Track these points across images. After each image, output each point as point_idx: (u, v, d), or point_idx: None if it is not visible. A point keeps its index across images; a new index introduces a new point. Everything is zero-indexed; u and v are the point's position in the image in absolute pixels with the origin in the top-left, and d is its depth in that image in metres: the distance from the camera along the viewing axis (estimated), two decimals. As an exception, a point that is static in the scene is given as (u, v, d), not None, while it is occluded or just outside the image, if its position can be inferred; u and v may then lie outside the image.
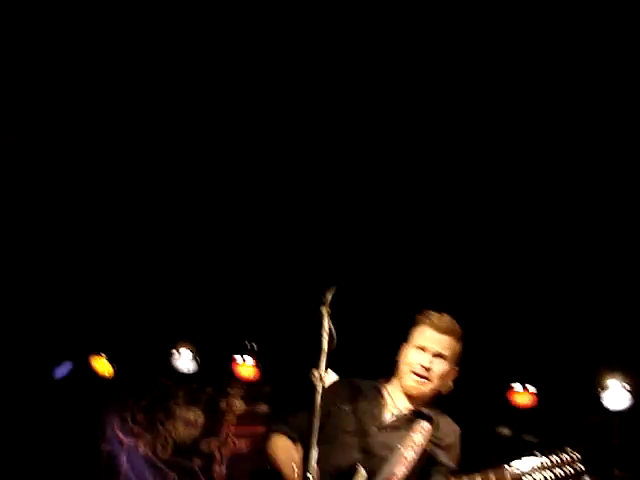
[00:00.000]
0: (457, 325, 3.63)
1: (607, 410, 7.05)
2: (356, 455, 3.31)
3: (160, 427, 8.25)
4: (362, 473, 3.25)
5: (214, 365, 7.98)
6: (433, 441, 3.46)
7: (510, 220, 6.37)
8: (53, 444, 7.75)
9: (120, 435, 8.11)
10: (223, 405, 8.11)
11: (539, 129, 5.76)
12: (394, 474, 3.31)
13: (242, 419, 8.08)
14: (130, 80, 5.71)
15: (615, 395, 7.03)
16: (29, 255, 6.98)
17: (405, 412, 3.52)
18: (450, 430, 3.58)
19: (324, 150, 6.06)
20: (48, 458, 7.68)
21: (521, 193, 6.19)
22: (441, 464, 3.43)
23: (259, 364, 7.87)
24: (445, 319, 3.58)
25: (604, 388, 7.01)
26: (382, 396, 3.56)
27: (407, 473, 3.33)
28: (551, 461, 3.10)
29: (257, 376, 7.94)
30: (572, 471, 3.07)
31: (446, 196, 6.30)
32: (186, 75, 5.66)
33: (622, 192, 5.91)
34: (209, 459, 7.96)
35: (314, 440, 2.95)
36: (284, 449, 3.44)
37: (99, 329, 7.88)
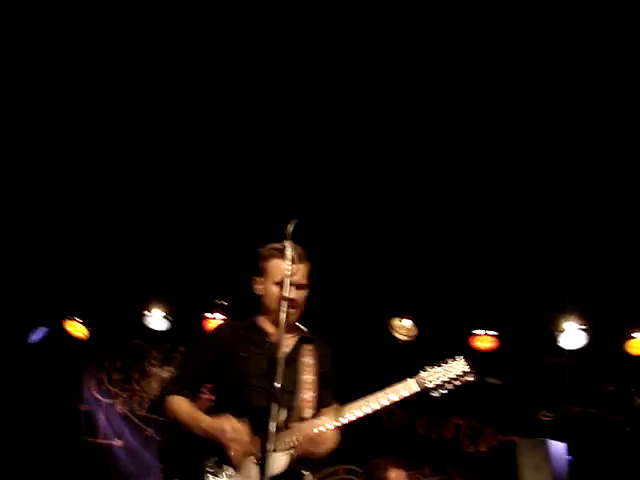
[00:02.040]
0: (302, 249, 3.83)
1: (563, 351, 7.38)
2: (268, 395, 3.46)
3: (136, 386, 8.42)
4: (278, 410, 3.44)
5: (186, 324, 8.09)
6: (318, 358, 3.82)
7: (469, 170, 6.53)
8: (32, 407, 7.89)
9: (97, 395, 8.27)
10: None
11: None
12: (305, 400, 3.64)
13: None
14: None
15: (570, 336, 7.36)
16: (3, 220, 7.00)
17: (290, 343, 3.80)
18: (324, 344, 3.95)
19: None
20: (28, 421, 7.83)
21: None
22: (328, 375, 3.82)
23: (229, 319, 7.92)
24: (297, 249, 3.75)
25: (560, 331, 7.32)
26: (267, 335, 3.81)
27: (314, 395, 3.67)
28: (445, 368, 3.61)
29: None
30: (461, 372, 3.59)
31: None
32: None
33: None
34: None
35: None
36: (189, 408, 3.65)
37: (72, 293, 7.93)
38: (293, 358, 3.74)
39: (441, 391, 3.58)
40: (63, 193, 6.95)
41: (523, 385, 7.81)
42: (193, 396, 3.74)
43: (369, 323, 7.77)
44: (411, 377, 3.58)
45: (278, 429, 3.37)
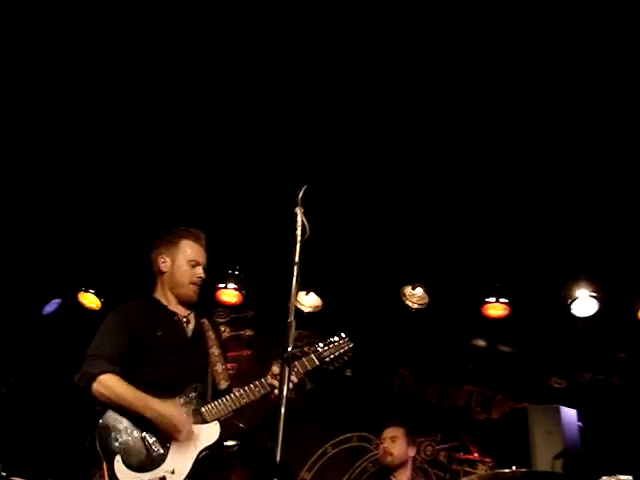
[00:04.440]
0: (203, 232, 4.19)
1: (575, 318, 7.39)
2: (184, 370, 3.77)
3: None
4: (194, 385, 3.76)
5: (200, 294, 8.13)
6: (216, 332, 4.07)
7: (483, 139, 6.51)
8: (46, 379, 7.98)
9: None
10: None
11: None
12: (217, 372, 3.86)
13: (227, 344, 8.33)
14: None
15: (582, 304, 7.37)
16: (15, 196, 7.04)
17: (192, 319, 4.01)
18: (213, 318, 4.27)
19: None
20: (42, 393, 7.92)
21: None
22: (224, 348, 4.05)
23: (242, 289, 8.03)
24: (201, 233, 4.15)
25: (573, 298, 7.33)
26: (173, 314, 3.98)
27: (223, 366, 3.92)
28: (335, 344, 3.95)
29: (240, 301, 8.13)
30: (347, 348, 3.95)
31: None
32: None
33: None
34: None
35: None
36: (130, 387, 3.71)
37: (86, 265, 7.98)
38: (199, 333, 3.95)
39: (335, 365, 3.91)
40: (79, 165, 6.97)
41: (535, 352, 7.83)
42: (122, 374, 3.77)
43: (381, 291, 7.79)
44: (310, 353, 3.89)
45: (202, 403, 3.71)
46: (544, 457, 6.27)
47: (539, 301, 7.66)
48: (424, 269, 7.57)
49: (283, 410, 3.20)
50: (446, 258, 7.38)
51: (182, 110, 6.43)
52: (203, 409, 3.71)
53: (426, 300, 7.66)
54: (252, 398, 3.73)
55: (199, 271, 4.01)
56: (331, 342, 3.92)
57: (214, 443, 3.67)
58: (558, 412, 6.45)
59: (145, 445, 3.59)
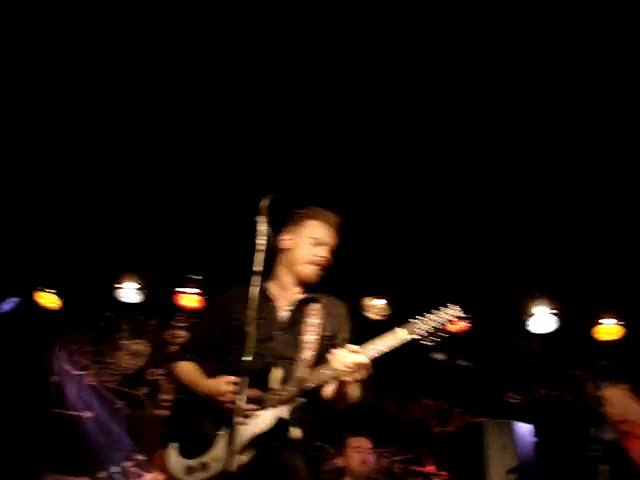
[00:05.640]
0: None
1: (531, 335, 7.48)
2: (268, 359, 3.54)
3: (106, 358, 8.41)
4: (277, 373, 3.50)
5: (158, 297, 8.10)
6: (325, 318, 3.77)
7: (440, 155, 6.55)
8: (1, 378, 7.85)
9: (68, 367, 8.25)
10: (167, 336, 8.27)
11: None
12: (303, 360, 3.59)
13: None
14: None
15: (541, 320, 7.45)
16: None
17: (295, 304, 3.77)
18: (337, 304, 3.89)
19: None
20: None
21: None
22: (336, 336, 3.74)
23: (203, 293, 7.99)
24: (333, 215, 3.88)
25: (530, 315, 7.41)
26: (271, 300, 3.76)
27: (314, 354, 3.62)
28: (436, 314, 3.48)
29: (202, 305, 8.06)
30: (454, 315, 3.49)
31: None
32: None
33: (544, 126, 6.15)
34: (155, 388, 8.17)
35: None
36: (193, 371, 3.70)
37: (44, 264, 7.89)
38: (296, 320, 3.72)
39: (433, 339, 3.44)
40: (38, 165, 6.88)
41: (492, 367, 7.90)
42: (201, 361, 3.75)
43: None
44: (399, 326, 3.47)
45: (271, 389, 3.43)
46: (498, 471, 6.32)
47: (497, 317, 7.72)
48: (385, 281, 7.59)
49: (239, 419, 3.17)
50: (407, 271, 7.42)
51: (144, 116, 6.40)
52: (273, 393, 3.47)
53: (387, 312, 7.69)
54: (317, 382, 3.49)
55: (324, 251, 3.77)
56: (432, 312, 3.48)
57: (269, 431, 3.40)
58: (513, 427, 6.52)
59: (200, 430, 3.50)
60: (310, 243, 3.78)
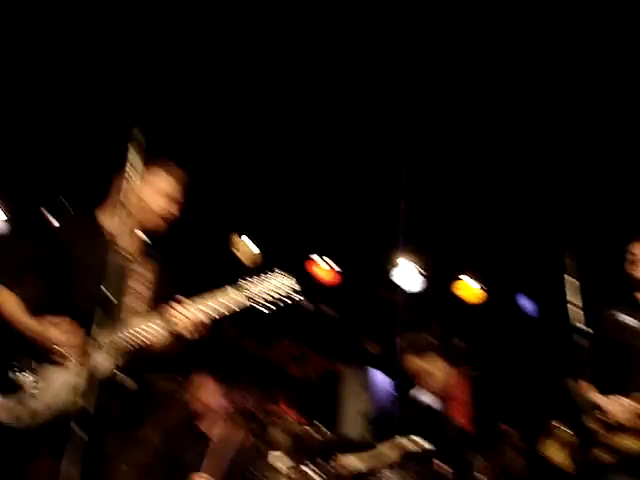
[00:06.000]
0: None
1: (397, 288, 7.67)
2: (100, 304, 3.32)
3: None
4: (106, 321, 3.32)
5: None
6: (156, 275, 3.75)
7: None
8: None
9: None
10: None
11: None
12: (135, 309, 3.56)
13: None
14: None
15: (407, 276, 7.63)
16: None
17: (134, 252, 3.71)
18: (164, 263, 3.86)
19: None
20: None
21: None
22: (163, 294, 3.67)
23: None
24: (183, 172, 3.83)
25: (395, 266, 7.58)
26: (110, 236, 3.62)
27: (145, 308, 3.60)
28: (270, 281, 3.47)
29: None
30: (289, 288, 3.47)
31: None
32: None
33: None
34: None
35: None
36: (15, 304, 3.47)
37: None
38: (133, 268, 3.65)
39: (269, 307, 3.42)
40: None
41: (355, 316, 8.06)
42: (18, 287, 3.50)
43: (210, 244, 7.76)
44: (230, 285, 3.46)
45: (101, 337, 3.30)
46: (350, 414, 6.47)
47: (364, 267, 7.87)
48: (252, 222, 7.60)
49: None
50: (275, 217, 7.45)
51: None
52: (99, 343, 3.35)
53: (256, 261, 7.67)
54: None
55: (172, 206, 3.73)
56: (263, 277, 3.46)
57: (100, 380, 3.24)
58: (367, 373, 6.67)
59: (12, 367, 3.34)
60: (160, 197, 3.73)
